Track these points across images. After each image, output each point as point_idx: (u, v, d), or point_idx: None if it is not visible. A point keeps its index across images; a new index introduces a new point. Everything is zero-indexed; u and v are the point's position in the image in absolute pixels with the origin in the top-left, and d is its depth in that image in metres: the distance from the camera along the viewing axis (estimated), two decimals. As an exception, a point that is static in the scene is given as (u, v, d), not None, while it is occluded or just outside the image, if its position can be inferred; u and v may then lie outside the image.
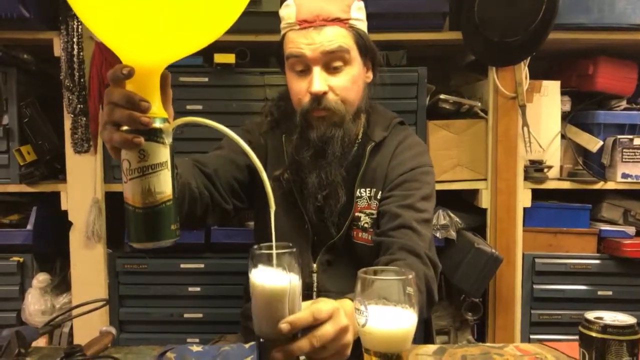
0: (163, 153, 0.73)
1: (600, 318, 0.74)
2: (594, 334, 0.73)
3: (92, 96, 1.81)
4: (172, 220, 0.74)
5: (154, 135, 0.71)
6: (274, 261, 0.73)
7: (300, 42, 1.12)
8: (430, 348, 0.97)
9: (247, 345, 0.96)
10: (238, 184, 1.23)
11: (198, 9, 0.67)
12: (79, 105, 1.80)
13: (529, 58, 1.82)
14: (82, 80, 1.79)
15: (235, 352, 0.93)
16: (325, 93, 1.13)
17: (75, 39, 1.77)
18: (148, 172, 0.71)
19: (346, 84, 1.15)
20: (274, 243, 0.74)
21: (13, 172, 1.85)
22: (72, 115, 1.81)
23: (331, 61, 1.13)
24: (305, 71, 1.15)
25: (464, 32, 1.78)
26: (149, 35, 0.69)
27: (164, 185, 0.73)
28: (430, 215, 1.19)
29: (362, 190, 1.22)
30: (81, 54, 1.78)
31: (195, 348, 0.95)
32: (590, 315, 0.75)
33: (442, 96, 1.86)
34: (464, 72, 2.18)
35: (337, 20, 1.13)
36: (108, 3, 0.66)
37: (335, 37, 1.12)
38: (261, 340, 0.75)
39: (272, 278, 0.73)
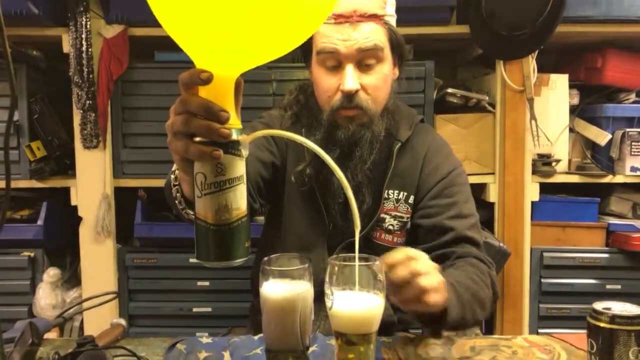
0: (240, 166, 0.68)
1: (609, 308, 0.74)
2: (602, 324, 0.73)
3: (101, 92, 1.82)
4: (246, 237, 0.69)
5: (232, 147, 0.66)
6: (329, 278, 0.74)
7: (334, 38, 1.09)
8: (439, 341, 0.98)
9: (256, 337, 0.96)
10: (263, 181, 1.20)
11: (284, 15, 0.64)
12: (88, 101, 1.82)
13: (536, 51, 1.81)
14: (91, 76, 1.81)
15: (244, 344, 0.94)
16: (357, 91, 1.11)
17: (84, 35, 1.78)
18: (225, 187, 0.66)
19: (378, 83, 1.13)
20: (356, 263, 0.73)
21: (23, 167, 1.86)
22: (81, 111, 1.82)
23: (365, 59, 1.11)
24: (337, 67, 1.12)
25: (471, 26, 1.78)
26: (231, 44, 0.65)
27: (240, 200, 0.68)
28: (475, 217, 1.20)
29: (391, 192, 1.20)
30: (90, 50, 1.79)
31: (205, 340, 0.96)
32: (599, 305, 0.75)
33: (449, 90, 1.86)
34: (472, 66, 2.18)
35: (374, 17, 1.10)
36: (189, 5, 0.62)
37: (371, 35, 1.10)
38: (271, 353, 0.75)
39: (284, 292, 0.73)
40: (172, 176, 0.92)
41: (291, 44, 0.70)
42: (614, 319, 0.72)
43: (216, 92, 0.67)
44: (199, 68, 0.66)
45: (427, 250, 1.05)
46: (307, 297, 0.74)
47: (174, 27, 0.66)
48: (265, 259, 0.76)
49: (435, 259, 1.07)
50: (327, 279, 0.73)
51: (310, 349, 0.86)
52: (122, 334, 0.98)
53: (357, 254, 0.72)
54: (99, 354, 0.76)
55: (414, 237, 1.21)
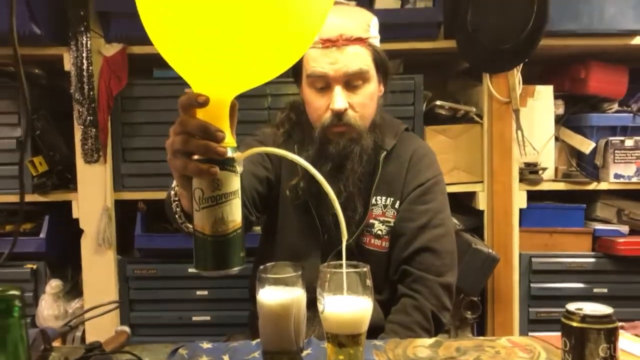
0: (235, 182, 0.73)
1: (580, 309, 0.80)
2: (574, 324, 0.79)
3: (101, 108, 1.88)
4: (241, 247, 0.74)
5: (227, 164, 0.72)
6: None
7: (323, 62, 1.17)
8: (427, 341, 1.03)
9: (254, 342, 1.02)
10: (259, 196, 1.26)
11: (272, 41, 0.70)
12: (88, 117, 1.87)
13: (521, 64, 1.88)
14: (91, 93, 1.87)
15: (242, 348, 0.99)
16: (345, 110, 1.19)
17: (84, 54, 1.85)
18: (221, 200, 0.72)
19: (365, 101, 1.21)
20: (344, 269, 0.78)
21: (26, 182, 1.91)
22: (82, 127, 1.88)
23: (352, 80, 1.19)
24: (325, 88, 1.20)
25: (458, 40, 1.85)
26: (226, 70, 0.70)
27: (236, 213, 0.73)
28: (445, 227, 1.28)
29: (378, 198, 1.28)
30: (90, 68, 1.85)
31: (205, 345, 1.01)
32: (572, 306, 0.81)
33: (438, 102, 1.93)
34: (461, 78, 2.25)
35: (359, 40, 1.18)
36: (186, 35, 0.67)
37: (357, 58, 1.18)
38: (267, 354, 0.81)
39: (278, 298, 0.79)
40: (172, 192, 0.98)
41: (280, 67, 0.76)
42: (584, 318, 0.78)
43: (212, 114, 0.72)
44: (196, 92, 0.71)
45: (394, 259, 1.23)
46: (300, 302, 0.79)
47: (172, 56, 0.72)
48: (261, 267, 0.82)
49: (395, 268, 1.25)
50: (318, 285, 0.79)
51: (305, 352, 0.92)
52: (127, 341, 1.03)
53: (344, 262, 0.78)
54: (106, 358, 0.81)
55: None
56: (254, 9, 0.65)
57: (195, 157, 0.72)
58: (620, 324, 0.80)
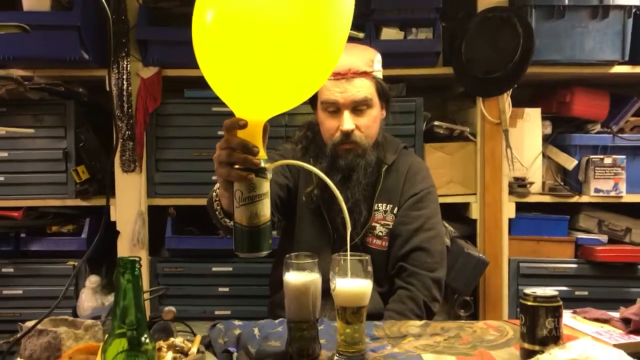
0: (265, 185, 0.95)
1: (534, 292, 1.02)
2: (528, 303, 1.01)
3: (138, 124, 2.13)
4: (269, 236, 0.97)
5: (261, 172, 0.94)
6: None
7: (334, 91, 1.43)
8: (418, 323, 1.26)
9: (276, 321, 1.25)
10: (280, 200, 1.51)
11: (301, 77, 0.93)
12: (127, 132, 2.13)
13: (511, 89, 2.11)
14: (129, 110, 2.12)
15: (268, 324, 1.22)
16: (353, 130, 1.44)
17: (124, 76, 2.10)
18: (256, 199, 0.94)
19: (369, 123, 1.47)
20: (348, 257, 1.01)
21: (70, 188, 2.16)
22: (121, 140, 2.13)
23: (358, 106, 1.44)
24: (336, 112, 1.45)
25: (454, 69, 2.09)
26: (261, 100, 0.94)
27: (266, 210, 0.96)
28: (436, 230, 1.52)
29: (380, 204, 1.53)
30: (129, 88, 2.11)
31: (237, 322, 1.25)
32: (528, 290, 1.03)
33: (436, 123, 2.17)
34: (459, 99, 2.48)
35: (364, 73, 1.44)
36: (233, 76, 0.91)
37: (362, 88, 1.43)
38: (291, 323, 1.04)
39: (300, 278, 1.02)
40: (214, 194, 1.23)
41: (303, 97, 1.02)
42: (536, 298, 1.01)
43: (250, 133, 0.96)
44: (237, 117, 0.96)
45: (392, 256, 1.46)
46: (317, 283, 1.02)
47: (221, 89, 0.97)
48: (287, 256, 1.05)
49: (393, 264, 1.48)
50: (331, 269, 1.02)
51: (319, 327, 1.15)
52: (173, 318, 1.26)
53: (348, 252, 1.02)
54: (166, 324, 1.05)
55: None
56: (288, 56, 0.90)
57: (237, 166, 0.95)
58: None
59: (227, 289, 2.20)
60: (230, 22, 0.88)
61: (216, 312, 2.19)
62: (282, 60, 0.89)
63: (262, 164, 0.95)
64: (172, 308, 1.28)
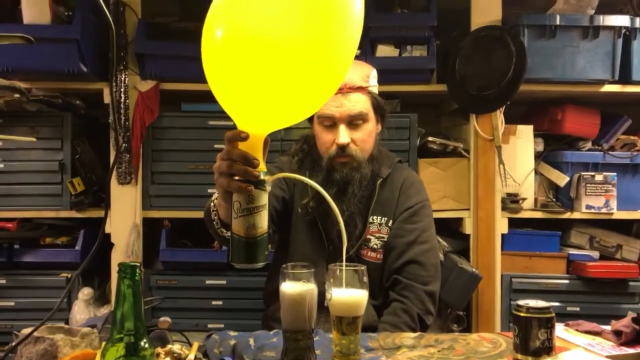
0: (264, 197, 0.96)
1: (527, 303, 1.04)
2: (521, 314, 1.03)
3: (135, 136, 2.14)
4: (266, 247, 0.98)
5: (260, 184, 0.95)
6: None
7: (330, 105, 1.45)
8: (412, 335, 1.27)
9: (271, 332, 1.26)
10: (276, 212, 1.53)
11: (304, 95, 0.95)
12: (123, 144, 2.14)
13: (503, 107, 2.15)
14: (127, 123, 2.13)
15: (263, 334, 1.23)
16: (348, 144, 1.46)
17: (122, 89, 2.12)
18: (254, 211, 0.95)
19: (364, 137, 1.49)
20: (344, 267, 1.03)
21: (65, 200, 2.17)
22: (118, 152, 2.14)
23: (353, 120, 1.46)
24: (332, 126, 1.47)
25: (448, 86, 2.13)
26: (265, 115, 0.96)
27: (264, 221, 0.96)
28: (430, 243, 1.53)
29: (375, 217, 1.54)
30: (127, 101, 2.13)
31: (233, 333, 1.25)
32: (521, 302, 1.05)
33: (430, 138, 2.20)
34: (453, 115, 2.51)
35: (360, 88, 1.46)
36: (238, 92, 0.93)
37: (358, 102, 1.45)
38: (286, 333, 1.04)
39: (296, 288, 1.03)
40: (212, 204, 1.24)
41: (307, 113, 1.04)
42: (528, 310, 1.03)
43: (251, 146, 0.98)
44: (239, 129, 0.98)
45: (387, 269, 1.47)
46: (313, 293, 1.03)
47: (226, 103, 0.98)
48: (283, 266, 1.06)
49: (388, 277, 1.49)
50: (327, 280, 1.04)
51: (315, 339, 1.15)
52: (169, 328, 1.26)
53: (344, 260, 1.03)
54: (162, 333, 1.06)
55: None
56: (294, 74, 0.91)
57: (237, 178, 0.96)
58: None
59: (220, 302, 2.20)
60: (240, 39, 0.89)
61: (209, 325, 2.18)
62: (289, 78, 0.91)
63: (262, 177, 0.96)
64: (168, 318, 1.29)
